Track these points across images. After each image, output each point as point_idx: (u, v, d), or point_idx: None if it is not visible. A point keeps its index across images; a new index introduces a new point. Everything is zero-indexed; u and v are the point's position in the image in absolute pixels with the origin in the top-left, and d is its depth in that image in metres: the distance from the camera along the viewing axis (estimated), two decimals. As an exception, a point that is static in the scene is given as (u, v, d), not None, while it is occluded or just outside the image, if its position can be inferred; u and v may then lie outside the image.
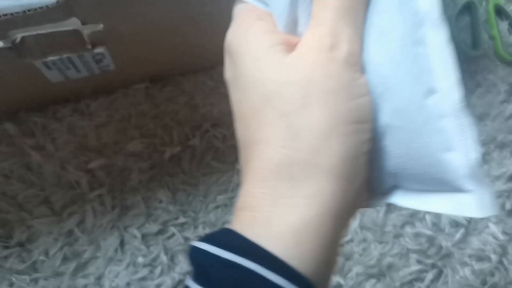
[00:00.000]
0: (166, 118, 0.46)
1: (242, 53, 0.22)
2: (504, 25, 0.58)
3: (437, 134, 0.21)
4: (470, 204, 0.21)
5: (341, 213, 0.20)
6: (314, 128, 0.19)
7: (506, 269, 0.50)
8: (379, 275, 0.47)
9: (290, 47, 0.21)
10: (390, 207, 0.49)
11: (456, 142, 0.21)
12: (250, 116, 0.21)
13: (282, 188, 0.19)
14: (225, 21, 0.40)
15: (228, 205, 0.46)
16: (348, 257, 0.47)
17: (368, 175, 0.23)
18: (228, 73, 0.23)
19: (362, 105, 0.20)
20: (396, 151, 0.22)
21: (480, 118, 0.53)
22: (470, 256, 0.50)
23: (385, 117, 0.22)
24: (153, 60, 0.42)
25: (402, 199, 0.23)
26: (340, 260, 0.47)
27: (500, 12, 0.57)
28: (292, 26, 0.23)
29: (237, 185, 0.46)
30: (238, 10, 0.24)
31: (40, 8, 0.28)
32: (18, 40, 0.30)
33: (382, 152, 0.22)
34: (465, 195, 0.21)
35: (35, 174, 0.43)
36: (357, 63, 0.21)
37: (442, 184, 0.22)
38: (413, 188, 0.23)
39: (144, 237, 0.43)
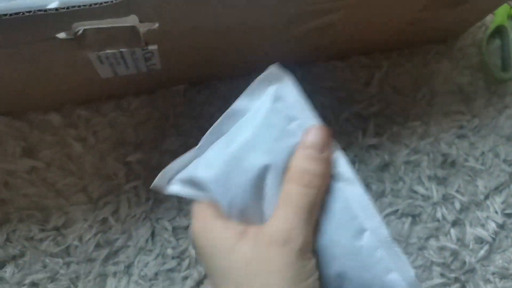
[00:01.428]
0: (202, 119, 0.48)
1: (211, 252, 0.26)
2: (534, 49, 0.59)
3: (379, 263, 0.28)
4: None
5: None
6: None
7: (529, 289, 0.50)
8: (402, 286, 0.48)
9: (247, 235, 0.26)
10: (415, 219, 0.50)
11: (393, 265, 0.28)
12: None
13: None
14: (268, 31, 0.42)
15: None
16: (371, 266, 0.48)
17: None
18: (202, 263, 0.29)
19: (311, 284, 0.25)
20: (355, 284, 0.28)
21: (508, 138, 0.54)
22: (493, 274, 0.50)
23: (338, 267, 0.28)
24: (196, 63, 0.44)
25: None
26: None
27: (531, 36, 0.58)
28: (245, 212, 0.29)
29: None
30: (197, 209, 0.29)
31: (105, 2, 0.30)
32: (80, 32, 0.32)
33: None
34: None
35: (75, 164, 0.45)
36: (309, 250, 0.26)
37: None
38: None
39: (174, 230, 0.45)
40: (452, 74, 0.55)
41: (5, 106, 0.45)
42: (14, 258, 0.42)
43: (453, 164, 0.52)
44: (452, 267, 0.49)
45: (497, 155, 0.53)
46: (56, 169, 0.45)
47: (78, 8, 0.30)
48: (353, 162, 0.50)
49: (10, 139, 0.44)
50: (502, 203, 0.52)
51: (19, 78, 0.39)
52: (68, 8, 0.30)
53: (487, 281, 0.50)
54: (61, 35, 0.33)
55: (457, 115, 0.54)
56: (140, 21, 0.33)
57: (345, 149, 0.50)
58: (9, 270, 0.42)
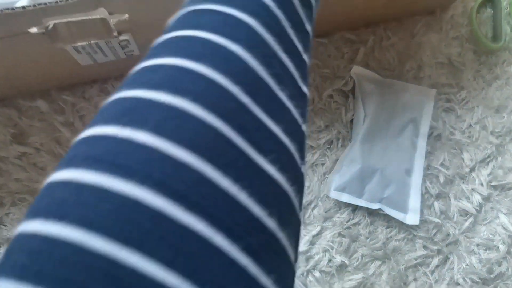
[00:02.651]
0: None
1: None
2: (527, 17, 0.57)
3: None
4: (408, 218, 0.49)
5: None
6: None
7: None
8: (384, 258, 0.49)
9: None
10: (399, 194, 0.50)
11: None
12: None
13: None
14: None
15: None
16: (354, 239, 0.49)
17: None
18: None
19: None
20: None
21: (496, 110, 0.54)
22: (477, 245, 0.51)
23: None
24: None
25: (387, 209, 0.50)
26: (345, 241, 0.49)
27: (524, 3, 0.57)
28: None
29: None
30: None
31: (70, -2, 0.30)
32: (50, 26, 0.33)
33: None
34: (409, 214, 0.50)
35: (64, 148, 0.47)
36: None
37: (403, 206, 0.49)
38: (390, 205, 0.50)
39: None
40: (440, 46, 0.54)
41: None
42: (8, 240, 0.45)
43: (438, 137, 0.52)
44: (435, 239, 0.50)
45: (484, 127, 0.53)
46: (46, 153, 0.46)
47: (45, 6, 0.31)
48: (336, 138, 0.50)
49: (0, 126, 0.45)
50: (488, 175, 0.52)
51: (1, 68, 0.40)
52: (35, 5, 0.31)
53: (471, 252, 0.51)
54: (33, 30, 0.33)
55: (444, 88, 0.53)
56: (110, 13, 0.34)
57: (329, 126, 0.50)
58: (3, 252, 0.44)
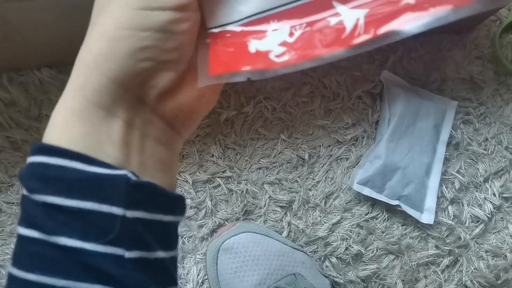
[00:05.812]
0: (226, 86, 0.53)
1: None
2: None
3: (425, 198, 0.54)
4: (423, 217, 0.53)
5: (108, 107, 0.21)
6: (99, 30, 0.21)
7: (519, 267, 0.53)
8: (398, 253, 0.52)
9: None
10: (416, 193, 0.53)
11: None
12: None
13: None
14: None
15: (269, 168, 0.51)
16: (371, 232, 0.52)
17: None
18: None
19: (153, 16, 0.21)
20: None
21: (512, 128, 0.57)
22: (486, 251, 0.53)
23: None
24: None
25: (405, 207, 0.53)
26: (363, 232, 0.51)
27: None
28: None
29: (280, 152, 0.52)
30: None
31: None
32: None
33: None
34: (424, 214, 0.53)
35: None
36: None
37: (420, 205, 0.53)
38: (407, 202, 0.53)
39: (194, 183, 0.49)
40: (463, 63, 0.58)
41: (50, 59, 0.50)
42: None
43: (456, 146, 0.55)
44: (447, 240, 0.52)
45: (500, 142, 0.56)
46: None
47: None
48: (362, 136, 0.54)
49: (54, 89, 0.49)
50: (501, 186, 0.55)
51: (63, 28, 0.43)
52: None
53: (480, 258, 0.53)
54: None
55: (465, 102, 0.57)
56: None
57: (355, 124, 0.54)
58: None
